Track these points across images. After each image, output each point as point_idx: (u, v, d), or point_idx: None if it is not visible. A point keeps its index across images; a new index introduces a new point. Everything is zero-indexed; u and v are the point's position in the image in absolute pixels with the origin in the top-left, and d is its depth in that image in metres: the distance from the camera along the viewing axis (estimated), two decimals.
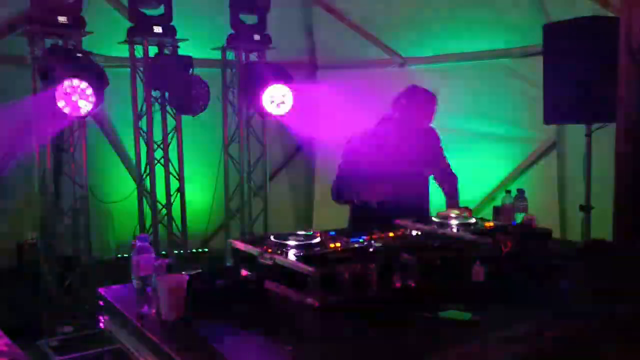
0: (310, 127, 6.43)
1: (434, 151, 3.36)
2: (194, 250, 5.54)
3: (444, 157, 3.41)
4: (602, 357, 2.35)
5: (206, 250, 6.29)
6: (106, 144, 5.66)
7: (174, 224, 4.69)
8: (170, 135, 4.60)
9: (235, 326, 1.77)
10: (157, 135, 4.55)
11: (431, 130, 3.34)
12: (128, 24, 4.27)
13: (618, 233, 3.32)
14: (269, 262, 2.02)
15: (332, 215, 6.23)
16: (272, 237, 2.21)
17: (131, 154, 4.71)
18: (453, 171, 3.42)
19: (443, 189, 3.40)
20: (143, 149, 4.51)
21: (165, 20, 4.28)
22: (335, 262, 1.96)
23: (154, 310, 1.81)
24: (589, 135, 3.84)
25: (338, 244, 2.17)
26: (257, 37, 4.84)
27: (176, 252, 4.76)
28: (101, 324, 2.17)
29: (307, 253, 2.03)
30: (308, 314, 1.86)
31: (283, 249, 2.09)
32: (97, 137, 5.39)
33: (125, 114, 4.52)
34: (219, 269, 2.13)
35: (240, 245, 2.22)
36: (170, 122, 4.59)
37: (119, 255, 5.96)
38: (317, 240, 2.20)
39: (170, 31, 4.31)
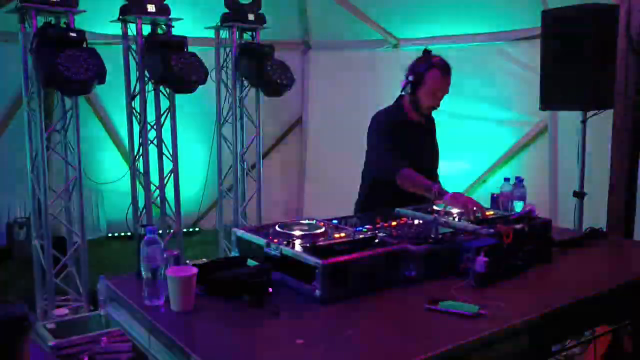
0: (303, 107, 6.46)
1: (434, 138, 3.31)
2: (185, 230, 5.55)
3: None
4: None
5: (197, 229, 6.32)
6: (99, 124, 5.63)
7: (167, 205, 4.67)
8: (163, 116, 4.55)
9: (244, 318, 1.78)
10: (151, 116, 4.49)
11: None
12: (121, 2, 4.19)
13: (611, 220, 3.38)
14: (276, 253, 2.02)
15: (322, 195, 6.30)
16: (277, 227, 2.22)
17: (124, 134, 4.66)
18: None
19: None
20: (136, 129, 4.46)
21: None
22: (341, 253, 1.97)
23: (163, 302, 1.81)
24: (584, 121, 3.86)
25: (343, 234, 2.17)
26: (251, 16, 4.78)
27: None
28: (101, 311, 2.18)
29: (313, 244, 2.04)
30: (315, 306, 1.87)
31: (289, 239, 2.09)
32: (89, 117, 5.36)
33: (117, 93, 4.47)
34: (227, 260, 2.13)
35: (246, 235, 2.22)
36: (164, 102, 4.53)
37: (110, 235, 5.96)
38: (322, 230, 2.20)
39: (164, 10, 4.24)
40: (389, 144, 2.95)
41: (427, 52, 3.01)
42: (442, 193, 2.71)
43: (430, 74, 2.93)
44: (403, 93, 3.07)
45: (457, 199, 2.63)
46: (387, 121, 3.04)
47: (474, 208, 2.52)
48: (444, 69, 2.96)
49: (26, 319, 1.55)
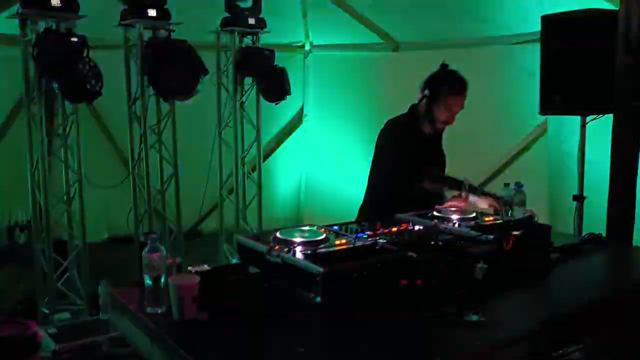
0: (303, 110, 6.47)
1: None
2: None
3: None
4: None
5: (198, 232, 6.33)
6: (100, 129, 5.64)
7: (167, 209, 4.68)
8: (164, 120, 4.56)
9: (244, 326, 1.79)
10: (151, 120, 4.50)
11: None
12: (122, 6, 4.20)
13: (611, 224, 3.39)
14: (277, 260, 2.03)
15: (322, 199, 6.31)
16: (278, 233, 2.22)
17: (125, 138, 4.67)
18: None
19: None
20: (137, 133, 4.47)
21: (160, 3, 4.20)
22: (342, 261, 1.98)
23: (165, 310, 1.82)
24: (583, 126, 3.87)
25: (343, 241, 2.18)
26: (252, 20, 4.79)
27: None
28: (103, 315, 2.19)
29: (314, 251, 2.04)
30: (316, 313, 1.88)
31: (290, 246, 2.10)
32: (90, 121, 5.36)
33: (118, 97, 4.47)
34: (228, 268, 2.14)
35: (247, 242, 2.23)
36: (164, 106, 4.54)
37: (110, 237, 5.97)
38: (323, 236, 2.21)
39: (164, 14, 4.25)
40: (405, 158, 2.99)
41: (444, 66, 3.05)
42: (473, 186, 2.92)
43: (445, 91, 2.98)
44: (417, 105, 3.09)
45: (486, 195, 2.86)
46: (402, 134, 3.07)
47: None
48: (460, 86, 3.00)
49: (35, 338, 1.56)
